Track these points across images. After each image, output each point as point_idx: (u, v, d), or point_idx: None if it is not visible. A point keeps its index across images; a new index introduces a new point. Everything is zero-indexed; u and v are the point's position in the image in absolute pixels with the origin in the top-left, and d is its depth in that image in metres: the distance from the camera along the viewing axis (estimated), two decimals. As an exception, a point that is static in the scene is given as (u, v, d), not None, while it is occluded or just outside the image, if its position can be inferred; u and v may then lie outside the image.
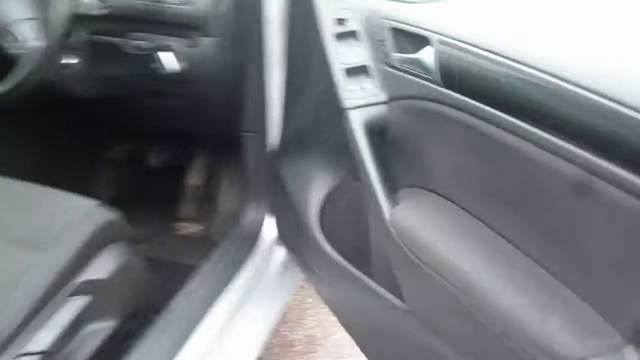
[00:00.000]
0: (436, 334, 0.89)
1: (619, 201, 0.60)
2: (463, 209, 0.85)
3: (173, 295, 1.18)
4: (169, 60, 1.19)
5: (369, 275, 1.02)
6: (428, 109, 0.85)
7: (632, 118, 0.58)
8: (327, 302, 1.26)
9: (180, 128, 1.50)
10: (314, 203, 1.09)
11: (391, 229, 0.90)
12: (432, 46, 0.82)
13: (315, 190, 1.10)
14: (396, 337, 1.01)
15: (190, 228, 1.71)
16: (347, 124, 0.94)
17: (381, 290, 0.98)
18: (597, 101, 0.61)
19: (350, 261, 1.06)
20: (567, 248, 0.71)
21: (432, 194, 0.91)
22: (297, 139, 1.21)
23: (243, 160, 1.34)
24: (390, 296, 0.96)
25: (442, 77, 0.81)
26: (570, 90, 0.64)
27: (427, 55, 0.83)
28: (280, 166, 1.23)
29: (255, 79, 1.22)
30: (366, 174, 0.92)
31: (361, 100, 0.94)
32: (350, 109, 0.93)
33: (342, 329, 1.72)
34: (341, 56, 0.95)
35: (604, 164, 0.61)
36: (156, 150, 1.75)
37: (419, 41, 0.84)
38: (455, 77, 0.79)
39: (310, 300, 1.83)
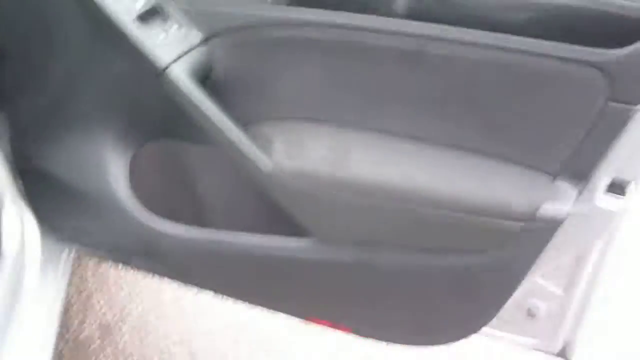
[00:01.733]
0: (354, 254, 0.90)
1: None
2: (340, 126, 0.85)
3: None
4: None
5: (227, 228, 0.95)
6: (269, 36, 0.81)
7: None
8: (185, 278, 1.11)
9: None
10: (118, 175, 0.94)
11: (278, 176, 0.84)
12: None
13: (116, 161, 0.93)
14: (298, 273, 0.97)
15: None
16: (167, 81, 0.80)
17: (255, 239, 0.94)
18: None
19: (186, 222, 0.96)
20: (479, 120, 0.80)
21: (290, 124, 0.87)
22: (53, 116, 0.97)
23: None
24: (278, 240, 0.92)
25: None
26: None
27: None
28: (34, 151, 0.99)
29: None
30: (218, 130, 0.83)
31: (176, 48, 0.80)
32: (169, 64, 0.79)
33: (136, 303, 1.58)
34: (122, 3, 0.78)
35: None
36: None
37: None
38: None
39: (93, 285, 1.61)
